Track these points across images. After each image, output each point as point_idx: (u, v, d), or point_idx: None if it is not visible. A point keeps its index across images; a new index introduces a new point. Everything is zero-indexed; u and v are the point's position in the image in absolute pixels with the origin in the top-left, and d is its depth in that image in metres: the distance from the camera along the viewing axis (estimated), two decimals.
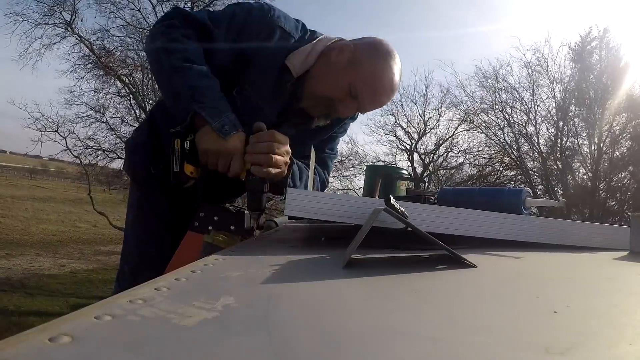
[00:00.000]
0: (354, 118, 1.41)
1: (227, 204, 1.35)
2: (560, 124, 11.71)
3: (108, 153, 10.95)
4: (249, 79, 1.16)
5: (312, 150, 1.19)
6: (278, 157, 1.01)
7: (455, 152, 13.06)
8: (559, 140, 11.67)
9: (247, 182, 1.01)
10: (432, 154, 13.20)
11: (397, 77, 1.16)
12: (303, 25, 1.25)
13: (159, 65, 1.08)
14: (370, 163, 12.40)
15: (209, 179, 1.18)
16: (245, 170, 1.03)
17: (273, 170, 1.01)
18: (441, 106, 13.09)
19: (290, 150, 1.05)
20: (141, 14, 10.94)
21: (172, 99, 1.08)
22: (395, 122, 13.31)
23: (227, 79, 1.12)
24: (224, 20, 1.14)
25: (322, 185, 1.35)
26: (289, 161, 1.05)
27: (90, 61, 10.70)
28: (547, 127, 12.04)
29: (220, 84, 1.08)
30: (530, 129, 11.95)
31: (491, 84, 12.20)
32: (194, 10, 1.12)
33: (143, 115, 10.52)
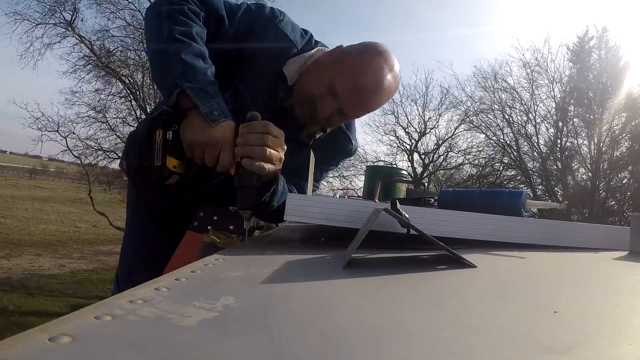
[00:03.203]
0: (348, 153, 1.34)
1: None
2: (560, 124, 11.72)
3: (108, 153, 10.95)
4: (245, 79, 1.12)
5: (312, 154, 1.16)
6: (272, 151, 0.91)
7: (455, 152, 13.07)
8: (559, 140, 11.68)
9: (237, 177, 0.92)
10: (432, 154, 13.21)
11: (386, 77, 1.08)
12: (310, 36, 1.21)
13: (157, 31, 0.98)
14: (371, 163, 12.40)
15: (202, 176, 1.13)
16: (234, 164, 0.93)
17: (267, 166, 0.91)
18: (441, 106, 13.10)
19: (285, 147, 0.95)
20: (141, 14, 10.94)
21: (159, 69, 0.99)
22: (396, 122, 13.33)
23: (223, 76, 1.05)
24: (237, 13, 1.10)
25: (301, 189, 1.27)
26: (283, 158, 0.96)
27: (90, 61, 10.71)
28: (546, 127, 12.06)
29: (216, 79, 1.01)
30: (530, 129, 11.97)
31: (490, 84, 12.21)
32: None
33: (143, 116, 10.52)
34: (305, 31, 1.21)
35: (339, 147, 1.32)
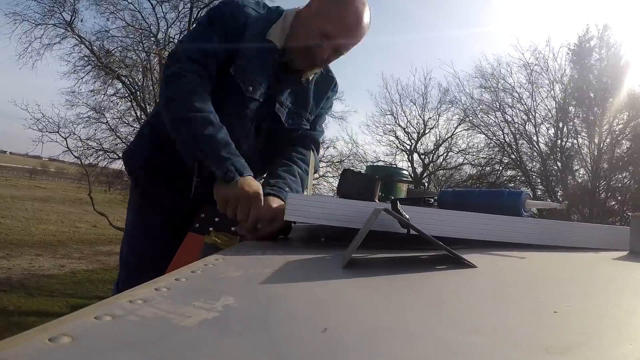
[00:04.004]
0: (335, 90, 1.52)
1: None
2: (560, 124, 11.72)
3: (109, 153, 10.94)
4: (242, 59, 1.25)
5: (312, 153, 1.21)
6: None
7: (455, 152, 13.08)
8: (559, 140, 11.68)
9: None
10: (431, 154, 13.22)
11: (362, 7, 1.23)
12: (263, 2, 1.35)
13: (170, 114, 1.15)
14: (370, 163, 12.40)
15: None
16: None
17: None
18: (440, 106, 13.10)
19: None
20: (141, 14, 10.96)
21: (180, 146, 1.14)
22: (395, 122, 13.33)
23: (224, 63, 1.22)
24: (211, 33, 1.23)
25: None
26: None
27: (90, 62, 10.71)
28: (546, 127, 12.06)
29: (219, 65, 1.20)
30: (530, 129, 11.97)
31: (490, 84, 12.21)
32: (184, 38, 1.27)
33: (143, 116, 10.52)
34: (268, 8, 1.35)
35: (329, 85, 1.50)
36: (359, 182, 1.44)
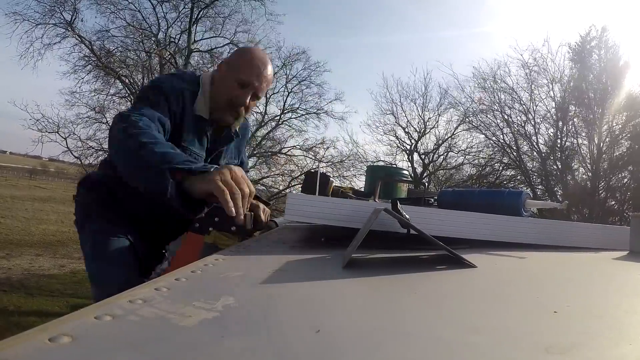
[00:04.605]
0: (248, 128, 1.71)
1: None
2: (560, 123, 11.71)
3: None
4: (186, 139, 1.36)
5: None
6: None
7: (455, 152, 13.07)
8: (559, 140, 11.68)
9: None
10: (431, 154, 13.21)
11: (264, 55, 1.45)
12: (192, 76, 1.47)
13: (125, 148, 1.09)
14: (370, 163, 12.39)
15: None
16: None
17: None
18: (440, 106, 13.11)
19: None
20: (141, 14, 10.96)
21: (144, 171, 1.05)
22: (395, 122, 13.33)
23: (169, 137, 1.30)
24: (160, 105, 1.28)
25: None
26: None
27: (90, 62, 10.70)
28: (546, 127, 12.05)
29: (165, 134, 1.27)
30: (530, 129, 11.97)
31: (489, 85, 12.21)
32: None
33: None
34: (180, 74, 1.46)
35: (246, 130, 1.69)
36: (316, 181, 1.62)
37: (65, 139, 10.73)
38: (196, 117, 1.38)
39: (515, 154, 11.98)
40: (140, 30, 10.89)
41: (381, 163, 12.53)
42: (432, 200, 1.66)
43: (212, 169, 1.00)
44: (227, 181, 0.97)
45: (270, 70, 1.44)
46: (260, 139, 12.08)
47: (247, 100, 1.41)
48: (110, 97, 11.18)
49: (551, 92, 11.85)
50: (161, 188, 0.98)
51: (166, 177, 0.98)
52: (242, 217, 0.98)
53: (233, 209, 0.94)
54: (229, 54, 1.58)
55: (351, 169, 12.51)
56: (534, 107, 11.90)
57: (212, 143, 1.46)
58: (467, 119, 12.61)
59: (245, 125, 1.66)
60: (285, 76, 12.14)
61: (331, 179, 1.74)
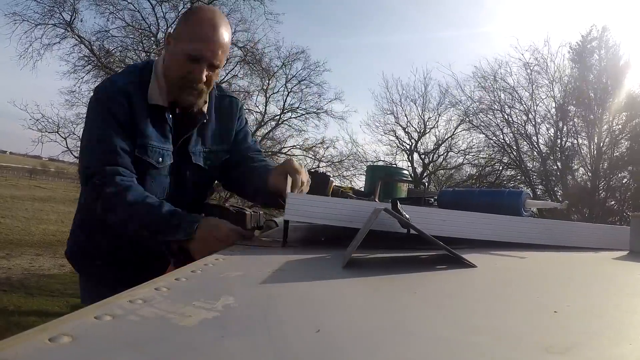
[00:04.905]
0: (241, 107, 1.53)
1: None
2: (560, 123, 11.72)
3: None
4: (141, 137, 1.26)
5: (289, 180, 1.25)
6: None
7: (455, 152, 13.08)
8: (559, 140, 11.68)
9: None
10: (431, 154, 13.22)
11: (212, 15, 1.27)
12: (139, 65, 1.38)
13: (115, 221, 1.18)
14: (370, 163, 12.40)
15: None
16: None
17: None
18: (440, 106, 13.11)
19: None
20: (140, 14, 10.95)
21: (137, 237, 1.18)
22: (395, 122, 13.33)
23: (132, 143, 1.23)
24: (110, 131, 1.21)
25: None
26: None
27: (90, 62, 10.70)
28: (546, 127, 12.06)
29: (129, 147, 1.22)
30: (530, 129, 11.97)
31: (490, 84, 12.21)
32: (87, 144, 1.28)
33: None
34: (129, 67, 1.40)
35: (233, 107, 1.49)
36: (319, 180, 1.59)
37: (65, 138, 10.73)
38: (151, 107, 1.27)
39: (515, 153, 11.99)
40: (140, 30, 10.88)
41: (381, 163, 12.53)
42: (432, 200, 1.66)
43: (193, 234, 1.08)
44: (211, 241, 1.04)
45: (222, 32, 1.25)
46: (260, 138, 12.08)
47: (203, 74, 1.25)
48: None
49: (551, 92, 11.86)
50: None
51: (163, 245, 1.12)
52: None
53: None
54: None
55: (351, 169, 12.51)
56: (535, 107, 11.91)
57: (178, 129, 1.33)
58: (467, 119, 12.62)
59: (230, 102, 1.48)
60: (285, 76, 12.14)
61: (331, 179, 1.74)
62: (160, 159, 1.28)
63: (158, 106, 1.28)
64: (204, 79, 1.26)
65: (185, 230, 1.08)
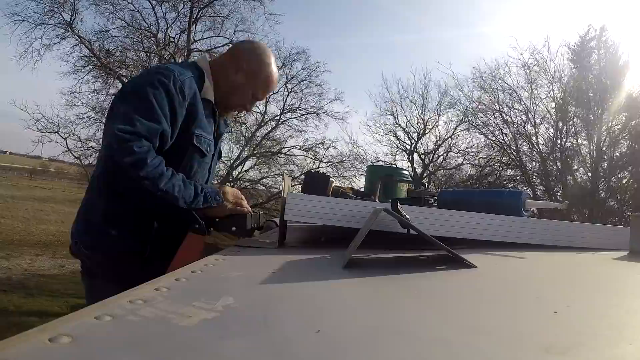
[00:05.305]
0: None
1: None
2: (560, 124, 11.71)
3: None
4: (198, 128, 1.38)
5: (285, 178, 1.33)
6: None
7: (455, 152, 13.08)
8: (559, 140, 11.68)
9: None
10: (431, 154, 13.22)
11: (276, 64, 1.51)
12: (192, 62, 1.49)
13: (150, 187, 1.24)
14: (370, 163, 12.40)
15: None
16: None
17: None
18: (440, 107, 13.11)
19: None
20: (140, 14, 10.95)
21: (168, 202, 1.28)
22: (395, 122, 13.34)
23: (184, 134, 1.34)
24: (161, 114, 1.27)
25: None
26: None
27: (90, 62, 10.69)
28: (546, 127, 12.06)
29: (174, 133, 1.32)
30: (529, 129, 11.97)
31: (489, 84, 12.21)
32: (132, 115, 1.24)
33: None
34: (187, 64, 1.47)
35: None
36: (319, 180, 1.70)
37: (65, 139, 10.72)
38: (205, 101, 1.40)
39: (515, 154, 11.99)
40: (140, 30, 10.88)
41: (381, 163, 12.53)
42: (432, 200, 1.66)
43: (216, 200, 1.28)
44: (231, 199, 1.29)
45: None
46: (260, 139, 12.08)
47: (251, 108, 1.55)
48: (110, 97, 11.16)
49: (551, 92, 11.86)
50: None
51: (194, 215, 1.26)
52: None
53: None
54: (247, 50, 1.54)
55: (351, 169, 12.50)
56: (534, 107, 11.91)
57: (218, 125, 1.50)
58: (466, 119, 12.62)
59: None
60: (285, 76, 12.14)
61: (331, 179, 1.74)
62: (209, 148, 1.43)
63: (209, 101, 1.43)
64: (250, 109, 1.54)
65: (216, 199, 1.28)
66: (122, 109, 1.26)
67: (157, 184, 1.20)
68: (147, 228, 1.33)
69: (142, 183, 1.20)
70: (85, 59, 10.80)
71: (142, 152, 1.18)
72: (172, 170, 1.25)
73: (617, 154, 11.22)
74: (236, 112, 1.55)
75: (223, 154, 1.71)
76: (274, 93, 11.94)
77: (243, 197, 1.37)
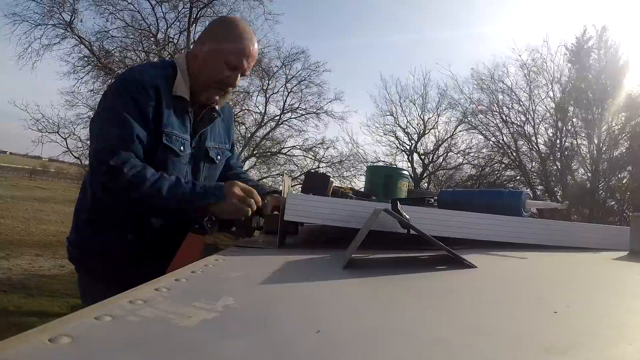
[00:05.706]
0: (232, 113, 1.67)
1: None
2: (559, 124, 11.71)
3: None
4: (167, 126, 1.33)
5: (285, 177, 1.31)
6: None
7: (455, 152, 13.09)
8: (558, 141, 11.68)
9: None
10: (431, 155, 13.23)
11: (249, 29, 1.41)
12: (168, 60, 1.46)
13: (138, 197, 1.23)
14: (370, 163, 12.40)
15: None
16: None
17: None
18: (439, 107, 13.12)
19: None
20: (140, 14, 10.94)
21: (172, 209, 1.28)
22: (395, 122, 13.34)
23: (155, 134, 1.29)
24: (131, 120, 1.25)
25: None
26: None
27: (90, 62, 10.69)
28: (545, 127, 12.06)
29: (150, 140, 1.28)
30: (529, 129, 11.97)
31: (488, 85, 12.21)
32: (104, 131, 1.27)
33: None
34: (155, 63, 1.46)
35: (229, 111, 1.64)
36: (319, 181, 1.67)
37: (65, 139, 10.72)
38: (176, 98, 1.34)
39: (514, 154, 11.99)
40: (139, 31, 10.88)
41: (381, 163, 12.53)
42: (432, 200, 1.66)
43: (215, 195, 1.20)
44: (241, 198, 1.21)
45: (257, 45, 1.41)
46: (260, 139, 12.08)
47: (237, 81, 1.40)
48: None
49: (550, 92, 11.86)
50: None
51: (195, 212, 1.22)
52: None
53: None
54: (213, 22, 1.50)
55: (351, 169, 12.51)
56: (534, 108, 11.91)
57: (195, 124, 1.42)
58: (466, 119, 12.63)
59: (229, 108, 1.62)
60: (284, 76, 12.14)
61: (331, 179, 1.74)
62: (182, 147, 1.36)
63: (181, 98, 1.36)
64: (237, 86, 1.41)
65: (215, 194, 1.21)
66: (97, 128, 1.30)
67: (139, 189, 1.18)
68: (138, 228, 1.33)
69: (126, 193, 1.20)
70: (85, 59, 10.79)
71: (117, 165, 1.19)
72: (162, 173, 1.23)
73: (617, 154, 11.22)
74: (223, 93, 1.42)
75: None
76: (272, 93, 11.95)
77: (255, 194, 1.26)
